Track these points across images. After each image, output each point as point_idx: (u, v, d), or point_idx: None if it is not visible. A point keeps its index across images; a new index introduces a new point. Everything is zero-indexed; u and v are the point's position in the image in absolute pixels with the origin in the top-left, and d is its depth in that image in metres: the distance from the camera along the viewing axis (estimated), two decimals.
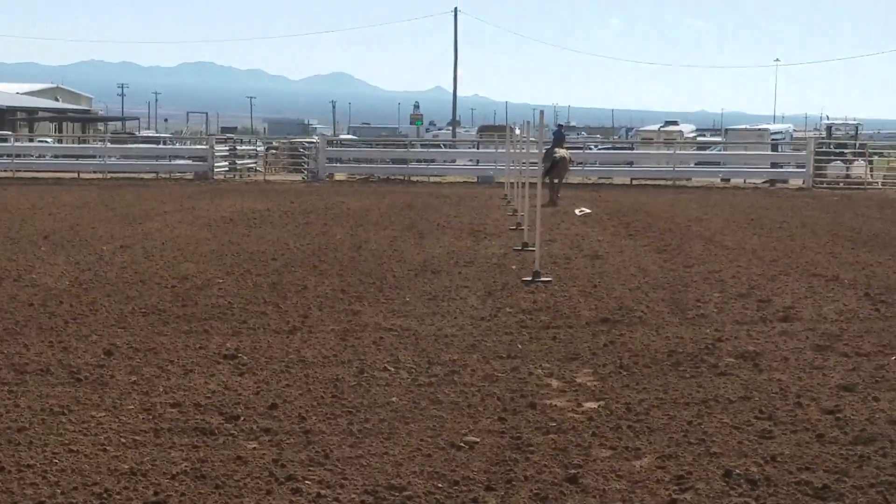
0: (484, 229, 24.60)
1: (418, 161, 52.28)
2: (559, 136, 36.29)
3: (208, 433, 7.97)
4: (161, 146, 59.00)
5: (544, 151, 35.03)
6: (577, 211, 29.55)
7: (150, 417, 8.39)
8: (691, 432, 8.08)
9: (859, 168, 47.63)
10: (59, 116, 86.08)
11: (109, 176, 47.66)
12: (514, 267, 17.69)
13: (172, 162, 51.13)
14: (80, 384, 9.45)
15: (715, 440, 7.88)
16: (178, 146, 61.42)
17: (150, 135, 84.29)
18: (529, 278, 16.05)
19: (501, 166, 41.12)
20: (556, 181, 33.83)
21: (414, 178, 48.47)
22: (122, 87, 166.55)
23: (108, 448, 7.59)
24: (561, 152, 34.14)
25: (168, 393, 9.15)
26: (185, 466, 7.21)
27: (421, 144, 64.56)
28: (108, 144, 53.85)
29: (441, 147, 62.19)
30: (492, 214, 29.31)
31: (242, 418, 8.37)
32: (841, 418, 8.45)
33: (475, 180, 47.78)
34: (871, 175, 48.20)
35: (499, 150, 44.67)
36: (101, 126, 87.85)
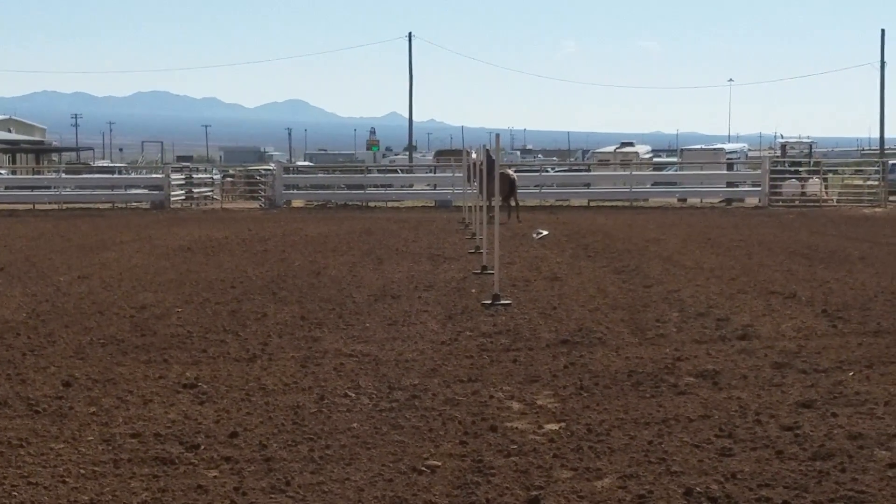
0: (443, 253, 24.62)
1: (375, 186, 52.32)
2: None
3: (169, 462, 7.92)
4: (117, 176, 58.74)
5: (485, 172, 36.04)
6: (534, 234, 29.61)
7: (110, 448, 8.33)
8: (652, 451, 8.11)
9: (814, 186, 48.04)
10: (12, 148, 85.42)
11: (65, 207, 47.42)
12: (473, 290, 17.71)
13: (128, 191, 50.94)
14: (38, 416, 9.37)
15: (675, 459, 7.91)
16: (133, 175, 61.22)
17: (106, 165, 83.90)
18: (489, 301, 16.06)
19: (459, 190, 41.18)
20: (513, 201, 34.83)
21: (371, 204, 48.49)
22: (76, 118, 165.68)
23: (67, 480, 7.53)
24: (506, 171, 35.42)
25: (128, 423, 9.09)
26: (146, 497, 7.17)
27: (378, 170, 64.55)
28: (63, 175, 53.51)
29: (398, 172, 62.25)
30: (450, 238, 29.35)
31: (203, 447, 8.32)
32: (800, 434, 8.50)
33: (433, 204, 47.88)
34: (826, 192, 48.60)
35: (455, 174, 44.76)
36: (55, 157, 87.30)
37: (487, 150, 31.05)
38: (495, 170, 18.59)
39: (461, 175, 39.56)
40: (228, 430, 8.79)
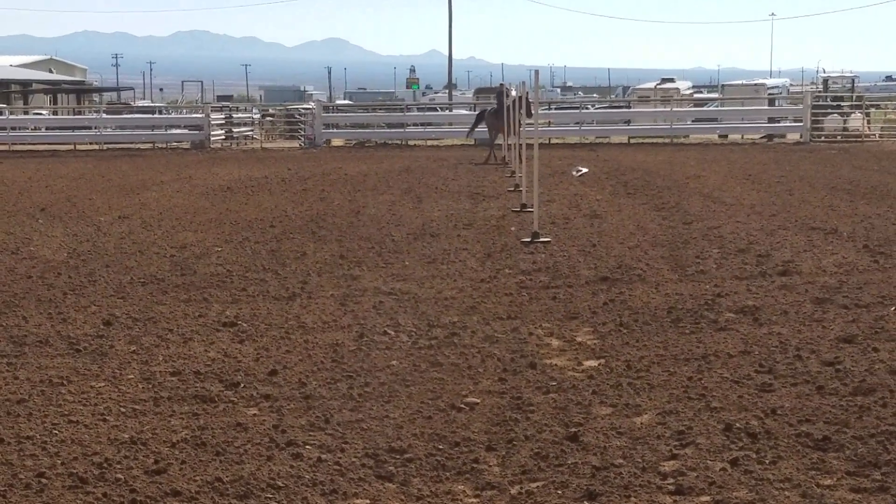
0: (482, 192, 24.55)
1: (415, 125, 52.16)
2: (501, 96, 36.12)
3: (208, 401, 7.97)
4: (157, 116, 58.76)
5: (492, 111, 35.71)
6: (574, 171, 29.47)
7: (150, 386, 8.39)
8: (691, 388, 8.09)
9: (856, 121, 47.47)
10: (53, 88, 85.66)
11: (106, 147, 47.52)
12: (512, 228, 17.68)
13: (168, 131, 50.90)
14: (79, 355, 9.45)
15: (715, 395, 7.88)
16: (173, 115, 61.25)
17: (146, 105, 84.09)
18: (528, 239, 16.03)
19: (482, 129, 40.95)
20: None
21: (411, 142, 48.36)
22: (117, 58, 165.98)
23: (107, 418, 7.59)
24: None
25: (167, 362, 9.15)
26: (185, 434, 7.21)
27: (417, 108, 64.34)
28: (104, 115, 53.62)
29: (438, 110, 62.01)
30: (489, 176, 29.25)
31: (242, 385, 8.37)
32: (840, 370, 8.46)
33: (473, 143, 47.70)
34: (869, 127, 48.06)
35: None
36: (96, 97, 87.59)
37: (517, 86, 30.94)
38: (529, 110, 18.48)
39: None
40: (268, 368, 8.83)
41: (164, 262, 14.59)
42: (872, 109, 52.73)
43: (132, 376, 8.70)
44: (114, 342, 9.89)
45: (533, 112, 22.76)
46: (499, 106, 34.67)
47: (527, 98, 25.54)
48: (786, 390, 7.98)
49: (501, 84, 40.29)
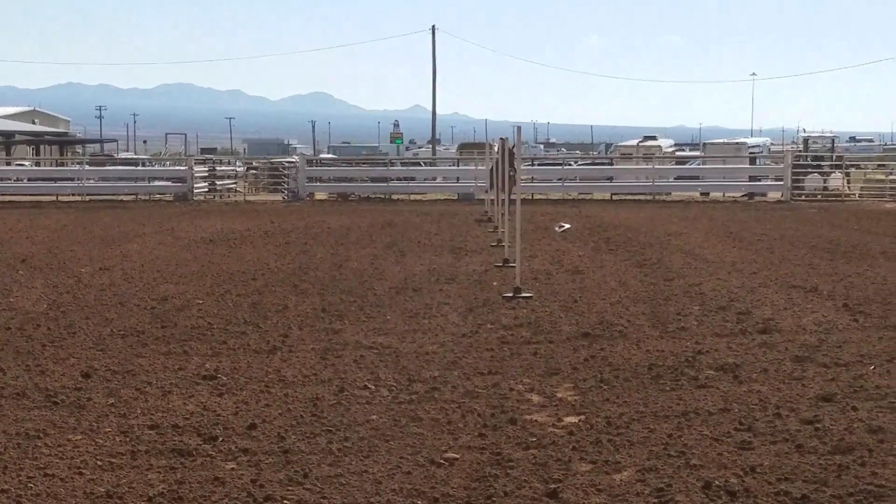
0: (465, 246, 24.59)
1: (399, 179, 52.29)
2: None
3: (186, 454, 7.93)
4: (140, 168, 58.79)
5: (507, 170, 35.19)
6: (556, 227, 29.56)
7: (128, 440, 8.34)
8: (671, 445, 8.08)
9: (836, 180, 47.79)
10: (36, 139, 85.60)
11: (88, 198, 47.49)
12: (495, 283, 17.69)
13: (152, 183, 50.92)
14: (56, 407, 9.40)
15: (695, 452, 7.87)
16: (157, 168, 61.26)
17: (129, 157, 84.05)
18: (510, 294, 16.05)
19: (482, 183, 41.12)
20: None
21: (394, 197, 48.45)
22: (100, 110, 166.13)
23: (83, 471, 7.54)
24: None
25: (146, 415, 9.11)
26: (163, 488, 7.17)
27: (401, 163, 64.52)
28: (87, 167, 53.60)
29: (421, 165, 62.19)
30: (472, 231, 29.32)
31: (221, 439, 8.33)
32: (820, 428, 8.46)
33: (456, 198, 47.84)
34: (849, 187, 48.35)
35: (479, 168, 44.69)
36: (79, 149, 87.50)
37: (503, 141, 30.93)
38: (513, 163, 18.51)
39: (484, 168, 39.58)
40: (247, 422, 8.79)
41: (145, 314, 14.55)
42: (852, 169, 53.05)
43: (110, 429, 8.65)
44: (92, 395, 9.84)
45: (515, 165, 22.85)
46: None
47: (510, 151, 25.64)
48: (765, 448, 7.98)
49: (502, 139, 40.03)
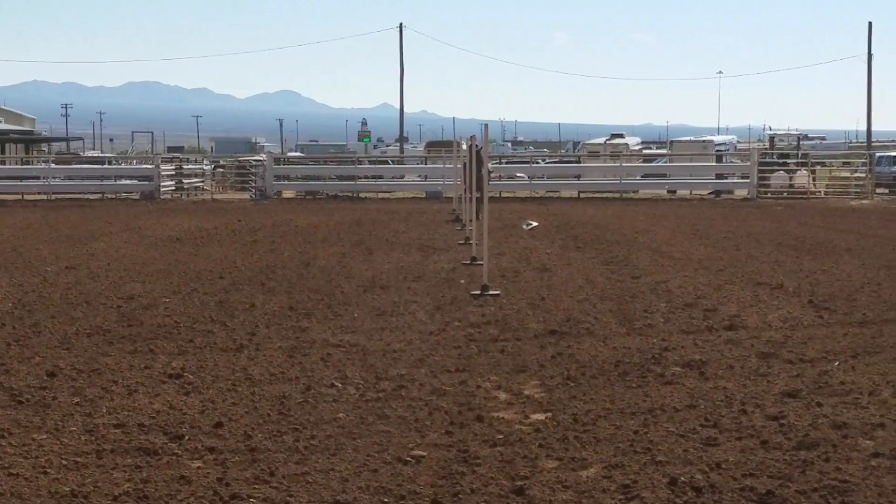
0: (433, 244, 24.60)
1: (366, 177, 52.26)
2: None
3: (152, 453, 7.89)
4: (106, 166, 58.56)
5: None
6: (524, 225, 29.60)
7: (93, 439, 8.30)
8: (637, 441, 8.10)
9: (802, 178, 48.08)
10: (1, 138, 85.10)
11: (54, 197, 47.28)
12: (462, 281, 17.70)
13: (118, 182, 50.76)
14: (21, 406, 9.34)
15: (661, 448, 7.90)
16: (123, 166, 61.03)
17: (96, 155, 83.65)
18: (478, 292, 16.06)
19: (449, 181, 41.16)
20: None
21: (362, 195, 48.42)
22: (66, 108, 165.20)
23: (48, 471, 7.50)
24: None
25: (111, 413, 9.06)
26: (128, 487, 7.14)
27: (369, 161, 64.47)
28: (53, 165, 53.36)
29: (389, 163, 62.15)
30: (440, 229, 29.32)
31: (187, 437, 8.30)
32: (785, 424, 8.51)
33: (424, 196, 47.85)
34: (814, 185, 48.64)
35: (446, 166, 44.70)
36: (44, 147, 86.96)
37: (473, 139, 30.72)
38: (483, 163, 18.48)
39: (452, 166, 39.56)
40: (213, 421, 8.76)
41: (111, 313, 14.49)
42: (818, 167, 53.36)
43: (75, 428, 8.60)
44: (57, 394, 9.78)
45: (484, 164, 22.70)
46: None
47: (478, 151, 25.58)
48: (730, 444, 8.01)
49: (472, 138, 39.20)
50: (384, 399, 9.56)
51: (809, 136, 59.50)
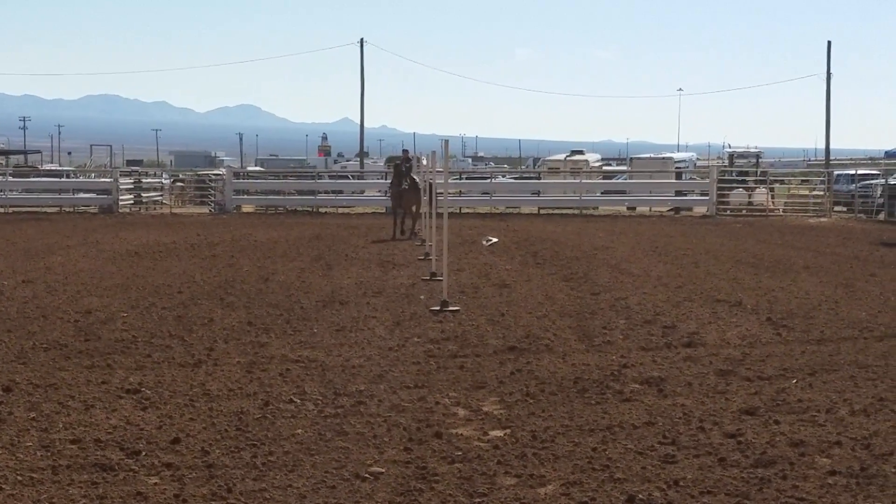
0: (392, 260, 24.58)
1: (326, 192, 52.18)
2: (400, 169, 33.98)
3: (108, 469, 7.83)
4: (64, 179, 58.20)
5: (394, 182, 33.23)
6: (484, 241, 29.63)
7: (49, 454, 8.23)
8: (596, 458, 8.11)
9: (761, 195, 48.39)
10: None
11: (11, 210, 46.93)
12: (422, 297, 17.69)
13: (76, 195, 50.45)
14: None
15: (619, 466, 7.92)
16: (81, 179, 60.65)
17: (54, 168, 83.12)
18: (437, 308, 16.05)
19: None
20: (404, 211, 32.89)
21: (322, 210, 48.33)
22: (24, 121, 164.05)
23: (3, 486, 7.43)
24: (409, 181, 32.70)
25: (68, 429, 8.99)
26: (84, 503, 7.08)
27: (329, 176, 64.38)
28: (10, 178, 52.97)
29: (349, 178, 62.09)
30: (400, 245, 29.30)
31: (144, 453, 8.24)
32: (742, 442, 8.54)
33: (384, 211, 47.80)
34: (773, 202, 48.95)
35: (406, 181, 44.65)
36: (2, 160, 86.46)
37: (405, 153, 30.66)
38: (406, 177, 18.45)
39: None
40: (171, 436, 8.71)
41: (68, 327, 14.38)
42: (776, 185, 53.71)
43: (31, 444, 8.52)
44: (13, 409, 9.70)
45: (415, 178, 22.88)
46: (395, 178, 33.69)
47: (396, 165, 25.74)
48: (688, 462, 8.04)
49: (404, 151, 38.34)
50: (343, 415, 9.53)
51: (745, 154, 60.18)
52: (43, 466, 7.91)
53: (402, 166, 33.68)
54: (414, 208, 32.58)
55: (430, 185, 26.25)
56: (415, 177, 32.87)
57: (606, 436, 8.81)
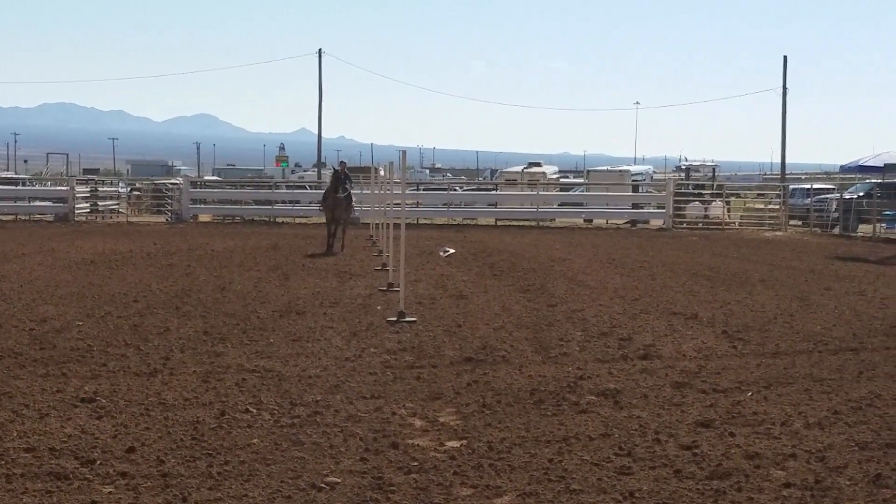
0: (349, 270, 24.55)
1: (284, 202, 52.06)
2: (338, 177, 32.60)
3: (62, 478, 7.78)
4: (20, 187, 57.75)
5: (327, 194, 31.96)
6: (441, 252, 29.64)
7: (3, 463, 8.16)
8: (552, 469, 8.13)
9: (717, 209, 48.69)
10: None
11: None
12: (379, 307, 17.68)
13: (32, 203, 50.09)
14: None
15: (575, 477, 7.94)
16: (37, 187, 60.23)
17: (9, 176, 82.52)
18: (394, 318, 16.05)
19: (367, 207, 41.11)
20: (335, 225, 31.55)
21: (279, 220, 48.23)
22: None
23: None
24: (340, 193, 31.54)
25: (22, 437, 8.93)
26: None
27: (286, 186, 64.25)
28: None
29: (306, 188, 61.96)
30: (357, 255, 29.26)
31: (99, 462, 8.20)
32: (698, 454, 8.59)
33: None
34: (729, 215, 49.27)
35: (364, 192, 44.63)
36: None
37: (342, 162, 30.18)
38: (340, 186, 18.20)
39: (369, 192, 39.55)
40: (125, 445, 8.66)
41: (23, 335, 14.27)
42: (732, 198, 54.07)
43: None
44: None
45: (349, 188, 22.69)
46: (333, 183, 32.42)
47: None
48: (644, 473, 8.07)
49: (342, 162, 36.78)
50: (299, 425, 9.51)
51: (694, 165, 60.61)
52: None
53: (341, 174, 32.46)
54: (343, 219, 31.66)
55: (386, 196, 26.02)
56: (349, 188, 32.16)
57: (562, 447, 8.83)
